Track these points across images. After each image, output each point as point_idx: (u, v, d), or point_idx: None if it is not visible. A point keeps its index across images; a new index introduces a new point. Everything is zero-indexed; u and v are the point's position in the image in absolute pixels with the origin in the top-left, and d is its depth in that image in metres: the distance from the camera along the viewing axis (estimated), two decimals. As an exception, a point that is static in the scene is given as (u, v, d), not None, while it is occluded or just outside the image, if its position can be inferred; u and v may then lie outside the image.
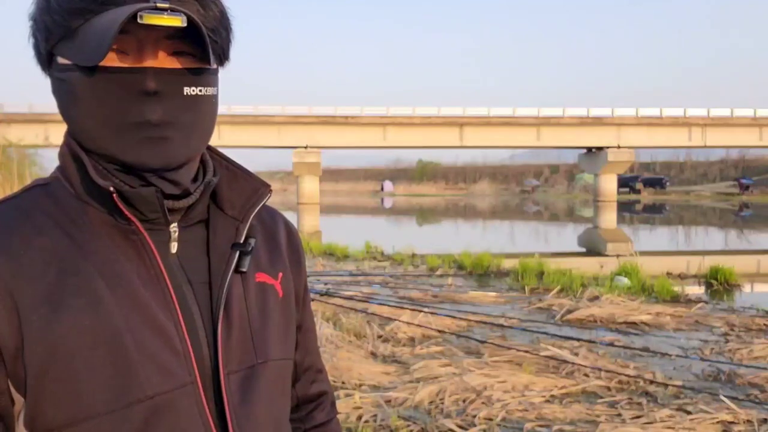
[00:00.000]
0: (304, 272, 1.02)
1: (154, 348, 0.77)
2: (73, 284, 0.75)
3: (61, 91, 0.80)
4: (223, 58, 0.85)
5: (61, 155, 0.85)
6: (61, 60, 0.78)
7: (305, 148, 46.10)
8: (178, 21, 0.72)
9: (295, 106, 46.84)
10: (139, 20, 0.71)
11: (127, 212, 0.78)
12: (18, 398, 0.75)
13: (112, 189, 0.77)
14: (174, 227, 0.84)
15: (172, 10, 0.73)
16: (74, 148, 0.81)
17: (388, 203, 57.51)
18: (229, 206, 0.89)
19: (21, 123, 34.80)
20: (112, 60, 0.76)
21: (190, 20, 0.74)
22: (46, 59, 0.81)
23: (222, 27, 0.82)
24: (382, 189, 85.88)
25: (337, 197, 69.40)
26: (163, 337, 0.78)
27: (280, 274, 0.94)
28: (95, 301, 0.75)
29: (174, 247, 0.84)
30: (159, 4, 0.73)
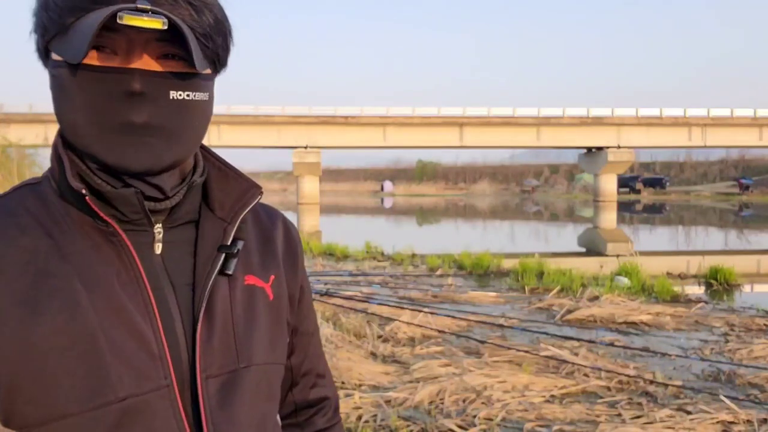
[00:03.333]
0: (300, 274, 1.00)
1: (129, 350, 0.76)
2: (50, 285, 0.76)
3: (53, 87, 0.79)
4: (218, 64, 0.83)
5: (51, 153, 0.85)
6: (54, 56, 0.78)
7: (305, 148, 46.09)
8: (158, 23, 0.71)
9: (295, 106, 46.86)
10: (118, 20, 0.70)
11: (102, 213, 0.78)
12: None
13: (84, 191, 0.76)
14: (158, 228, 0.83)
15: (154, 12, 0.72)
16: (58, 146, 0.81)
17: (388, 203, 57.49)
18: (219, 207, 0.88)
19: (21, 123, 34.89)
20: (100, 59, 0.76)
21: (171, 23, 0.72)
22: (44, 55, 0.80)
23: (217, 33, 0.80)
24: (382, 189, 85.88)
25: (337, 197, 69.37)
26: (138, 339, 0.77)
27: (272, 277, 0.92)
28: (71, 303, 0.75)
29: (158, 248, 0.83)
30: (139, 5, 0.72)
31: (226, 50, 0.84)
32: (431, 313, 7.53)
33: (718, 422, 4.35)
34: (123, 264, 0.79)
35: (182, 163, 0.83)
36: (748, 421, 4.37)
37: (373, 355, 6.03)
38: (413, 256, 14.03)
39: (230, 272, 0.85)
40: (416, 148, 53.35)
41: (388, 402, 4.69)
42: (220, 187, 0.89)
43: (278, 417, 0.99)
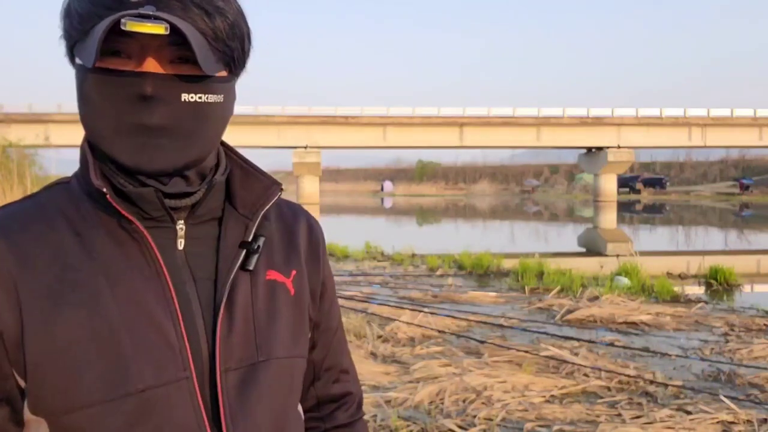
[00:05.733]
0: (322, 269, 1.01)
1: (149, 343, 0.78)
2: (74, 279, 0.78)
3: (76, 89, 0.82)
4: (234, 66, 0.84)
5: (79, 154, 0.88)
6: (77, 60, 0.80)
7: (305, 148, 46.08)
8: (160, 29, 0.72)
9: (295, 106, 47.10)
10: (121, 26, 0.71)
11: (123, 211, 0.79)
12: (23, 383, 0.78)
13: (104, 190, 0.79)
14: (180, 225, 0.85)
15: (156, 18, 0.72)
16: (84, 147, 0.84)
17: (388, 203, 57.49)
18: (241, 205, 0.90)
19: (21, 123, 34.74)
20: (116, 63, 0.77)
21: (174, 28, 0.73)
22: (71, 60, 0.83)
23: (232, 37, 0.81)
24: (382, 189, 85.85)
25: (337, 197, 69.37)
26: (158, 332, 0.79)
27: (293, 272, 0.94)
28: (93, 297, 0.78)
29: (181, 244, 0.85)
30: (142, 12, 0.73)
31: (243, 53, 0.85)
32: (431, 313, 7.53)
33: (718, 422, 4.35)
34: (145, 259, 0.81)
35: (199, 163, 0.84)
36: (748, 421, 4.37)
37: (373, 355, 6.03)
38: (413, 256, 14.03)
39: (251, 268, 0.87)
40: (416, 148, 53.35)
41: (388, 402, 4.69)
42: (242, 185, 0.91)
43: (301, 410, 1.00)
